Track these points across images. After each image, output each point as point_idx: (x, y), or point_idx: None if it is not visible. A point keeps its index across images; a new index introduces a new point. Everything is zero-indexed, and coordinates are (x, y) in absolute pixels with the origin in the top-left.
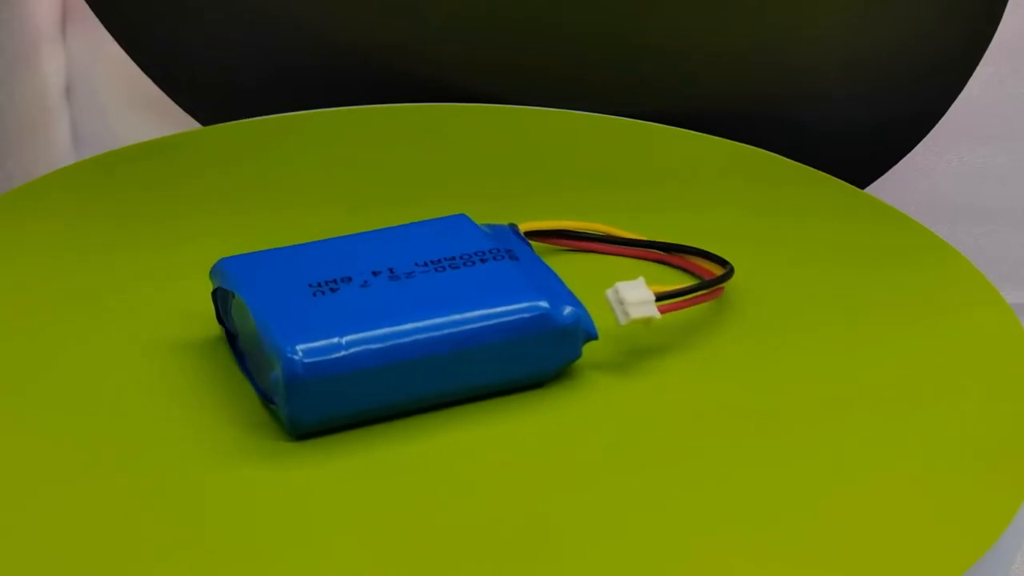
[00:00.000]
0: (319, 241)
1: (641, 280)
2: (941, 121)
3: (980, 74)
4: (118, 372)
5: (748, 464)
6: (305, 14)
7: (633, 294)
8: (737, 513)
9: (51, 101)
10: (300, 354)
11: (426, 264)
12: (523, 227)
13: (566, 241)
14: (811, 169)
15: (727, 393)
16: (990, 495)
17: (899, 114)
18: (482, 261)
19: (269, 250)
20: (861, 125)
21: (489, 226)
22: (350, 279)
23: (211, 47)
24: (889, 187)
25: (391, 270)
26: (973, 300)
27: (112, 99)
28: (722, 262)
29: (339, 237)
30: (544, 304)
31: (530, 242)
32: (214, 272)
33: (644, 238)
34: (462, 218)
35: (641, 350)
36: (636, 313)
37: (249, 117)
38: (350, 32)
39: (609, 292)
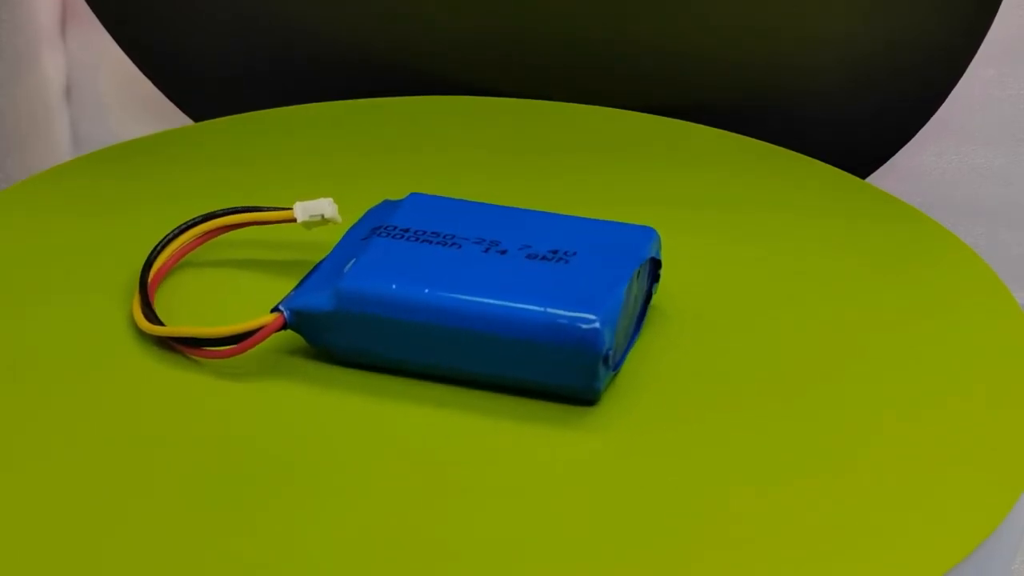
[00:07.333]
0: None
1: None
2: (942, 122)
3: (980, 75)
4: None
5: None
6: (307, 14)
7: (312, 205)
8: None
9: (51, 101)
10: None
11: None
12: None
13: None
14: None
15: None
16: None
17: (895, 106)
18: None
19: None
20: (857, 117)
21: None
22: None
23: (209, 45)
24: (889, 187)
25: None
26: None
27: (111, 99)
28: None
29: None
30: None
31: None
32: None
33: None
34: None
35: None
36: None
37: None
38: (348, 29)
39: (298, 210)
